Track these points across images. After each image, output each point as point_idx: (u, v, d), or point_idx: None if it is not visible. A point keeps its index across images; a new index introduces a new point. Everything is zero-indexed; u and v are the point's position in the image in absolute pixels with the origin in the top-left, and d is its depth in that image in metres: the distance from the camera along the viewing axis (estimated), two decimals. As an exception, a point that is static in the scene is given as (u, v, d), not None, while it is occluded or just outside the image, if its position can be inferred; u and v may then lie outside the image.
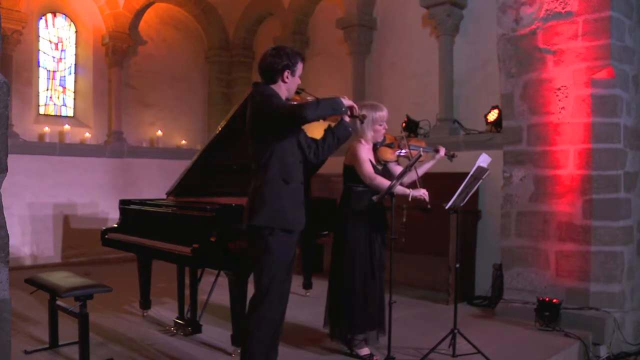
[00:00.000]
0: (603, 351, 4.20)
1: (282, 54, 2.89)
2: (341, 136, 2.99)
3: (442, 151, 3.75)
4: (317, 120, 2.80)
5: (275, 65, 2.88)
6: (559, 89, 4.54)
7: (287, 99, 2.94)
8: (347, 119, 2.99)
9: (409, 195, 3.50)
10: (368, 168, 3.51)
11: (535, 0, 4.67)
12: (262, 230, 2.82)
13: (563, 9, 4.51)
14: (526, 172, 4.74)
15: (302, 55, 3.00)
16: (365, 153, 3.56)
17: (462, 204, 3.70)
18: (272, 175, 2.83)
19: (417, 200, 3.52)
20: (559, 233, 4.52)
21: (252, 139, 2.92)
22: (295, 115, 2.74)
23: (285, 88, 2.92)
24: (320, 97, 2.90)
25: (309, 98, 2.94)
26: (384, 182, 3.47)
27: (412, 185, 3.56)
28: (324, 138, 3.02)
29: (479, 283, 5.53)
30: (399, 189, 3.48)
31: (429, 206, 3.50)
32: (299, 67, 2.94)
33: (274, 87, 2.91)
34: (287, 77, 2.90)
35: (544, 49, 4.61)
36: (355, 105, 2.94)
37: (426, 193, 3.52)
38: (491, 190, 5.41)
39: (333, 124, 3.04)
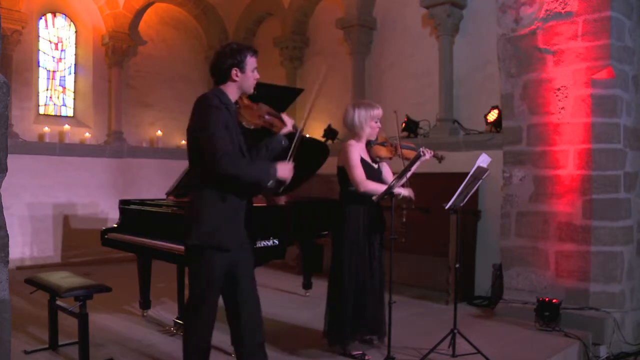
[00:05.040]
0: (603, 351, 4.20)
1: (227, 51, 2.73)
2: (275, 149, 2.89)
3: (428, 154, 3.64)
4: (239, 178, 2.64)
5: (221, 65, 2.73)
6: (558, 89, 4.54)
7: (245, 94, 2.81)
8: (285, 129, 2.89)
9: (400, 194, 3.55)
10: (359, 174, 3.50)
11: (535, 0, 4.67)
12: (196, 248, 2.72)
13: (563, 9, 4.51)
14: (526, 172, 4.73)
15: (253, 48, 2.80)
16: (357, 155, 3.56)
17: (462, 204, 3.70)
18: (209, 191, 2.69)
19: (404, 200, 3.63)
20: (558, 233, 4.52)
21: (188, 149, 2.78)
22: (211, 160, 2.57)
23: (237, 87, 2.77)
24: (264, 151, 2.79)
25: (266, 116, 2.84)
26: (377, 187, 3.48)
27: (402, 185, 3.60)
28: (258, 150, 2.88)
29: (479, 283, 5.53)
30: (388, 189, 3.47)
31: (413, 206, 3.62)
32: (249, 61, 2.76)
33: (223, 87, 2.76)
34: (237, 75, 2.74)
35: (544, 49, 4.61)
36: (287, 179, 2.75)
37: (412, 192, 3.61)
38: (491, 190, 5.40)
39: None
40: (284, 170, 2.76)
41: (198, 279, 2.76)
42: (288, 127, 2.92)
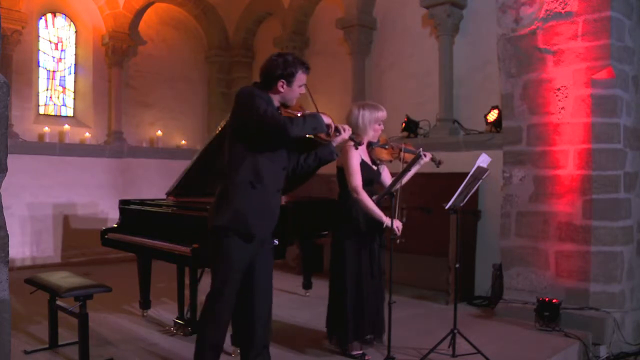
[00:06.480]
0: (603, 351, 4.20)
1: (281, 61, 2.75)
2: (323, 159, 2.95)
3: (427, 156, 3.58)
4: (300, 137, 2.74)
5: (271, 73, 2.76)
6: (558, 89, 4.54)
7: (283, 105, 2.83)
8: (338, 139, 2.94)
9: (384, 222, 3.44)
10: (357, 181, 3.47)
11: (535, 0, 4.67)
12: (220, 232, 2.73)
13: (563, 9, 4.51)
14: (526, 172, 4.74)
15: (306, 65, 2.82)
16: (357, 159, 3.52)
17: (462, 204, 3.69)
18: (242, 177, 2.72)
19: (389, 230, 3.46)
20: (558, 233, 4.52)
21: (229, 136, 2.82)
22: (278, 129, 2.63)
23: (279, 96, 2.80)
24: (307, 113, 2.81)
25: (298, 114, 2.83)
26: (368, 202, 3.43)
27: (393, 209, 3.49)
28: (306, 157, 2.95)
29: (479, 283, 5.53)
30: (376, 211, 3.43)
31: (402, 240, 3.43)
32: (299, 77, 2.78)
33: (269, 92, 2.79)
34: (282, 87, 2.77)
35: (544, 49, 4.61)
36: (333, 124, 2.85)
37: (400, 227, 3.46)
38: (491, 190, 5.40)
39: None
40: (325, 117, 2.80)
41: (218, 269, 2.76)
42: (344, 135, 2.92)
